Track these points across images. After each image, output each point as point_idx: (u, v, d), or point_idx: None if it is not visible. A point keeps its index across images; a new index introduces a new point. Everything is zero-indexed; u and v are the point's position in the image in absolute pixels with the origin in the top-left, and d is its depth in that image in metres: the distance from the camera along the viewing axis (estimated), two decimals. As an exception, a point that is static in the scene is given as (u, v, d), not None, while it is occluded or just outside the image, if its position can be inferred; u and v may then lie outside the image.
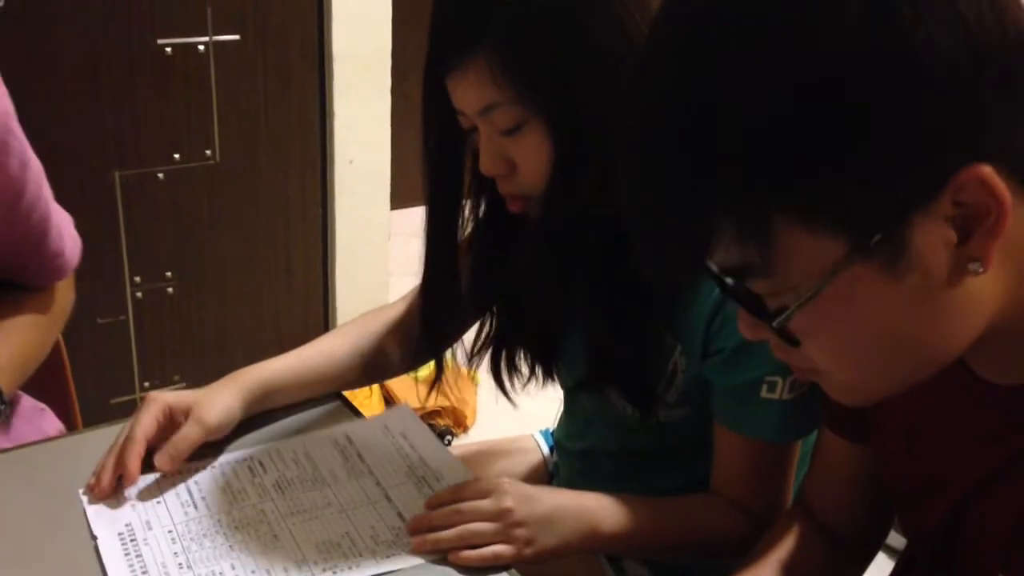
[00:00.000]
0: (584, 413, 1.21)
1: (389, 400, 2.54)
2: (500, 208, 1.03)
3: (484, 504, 0.93)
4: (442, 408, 2.50)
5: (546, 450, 1.39)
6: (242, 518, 0.94)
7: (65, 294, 1.24)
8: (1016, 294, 0.63)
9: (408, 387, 2.56)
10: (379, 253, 2.53)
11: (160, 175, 2.17)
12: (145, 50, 2.07)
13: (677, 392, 1.03)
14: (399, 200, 2.67)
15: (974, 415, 0.73)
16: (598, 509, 0.99)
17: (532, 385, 1.19)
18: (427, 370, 2.81)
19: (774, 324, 0.62)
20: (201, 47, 2.13)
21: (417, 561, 0.90)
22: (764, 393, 0.96)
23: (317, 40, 2.27)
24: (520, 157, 0.95)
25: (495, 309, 1.16)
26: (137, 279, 2.22)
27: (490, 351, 1.17)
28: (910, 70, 0.54)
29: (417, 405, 2.55)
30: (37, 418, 1.21)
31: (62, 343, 1.31)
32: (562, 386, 1.23)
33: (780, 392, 0.96)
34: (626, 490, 1.12)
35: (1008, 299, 0.63)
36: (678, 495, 1.06)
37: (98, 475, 0.96)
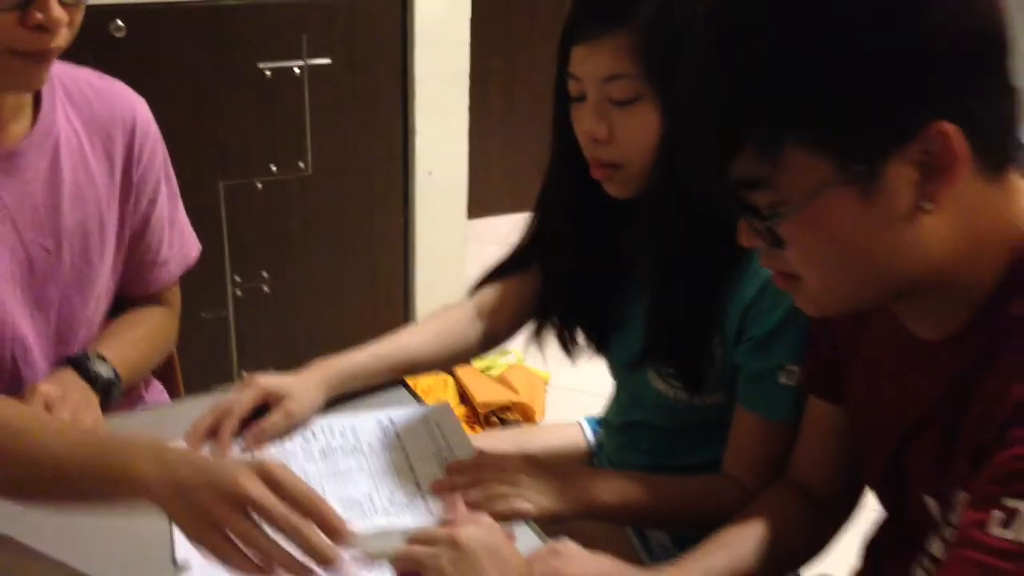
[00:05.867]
0: (628, 394, 1.37)
1: (464, 395, 2.72)
2: (584, 187, 1.18)
3: (502, 474, 1.10)
4: (512, 404, 2.67)
5: (590, 435, 1.54)
6: (288, 475, 1.13)
7: (176, 305, 1.47)
8: (955, 251, 0.78)
9: (482, 383, 2.75)
10: (457, 259, 2.72)
11: (259, 184, 2.40)
12: (247, 73, 2.31)
13: (715, 378, 1.18)
14: (477, 210, 2.86)
15: (909, 369, 0.88)
16: (601, 483, 1.16)
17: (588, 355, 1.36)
18: (499, 369, 2.98)
19: (766, 222, 0.78)
20: (297, 70, 2.35)
21: (418, 522, 1.06)
22: (783, 379, 1.11)
23: (401, 63, 2.47)
24: (623, 128, 1.09)
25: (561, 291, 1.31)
26: (237, 278, 2.46)
27: (556, 325, 1.33)
28: (916, 44, 0.71)
29: (489, 400, 2.73)
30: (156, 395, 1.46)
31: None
32: (612, 371, 1.38)
33: (796, 379, 1.10)
34: (660, 463, 1.28)
35: (948, 254, 0.77)
36: (706, 470, 1.21)
37: (195, 429, 1.16)
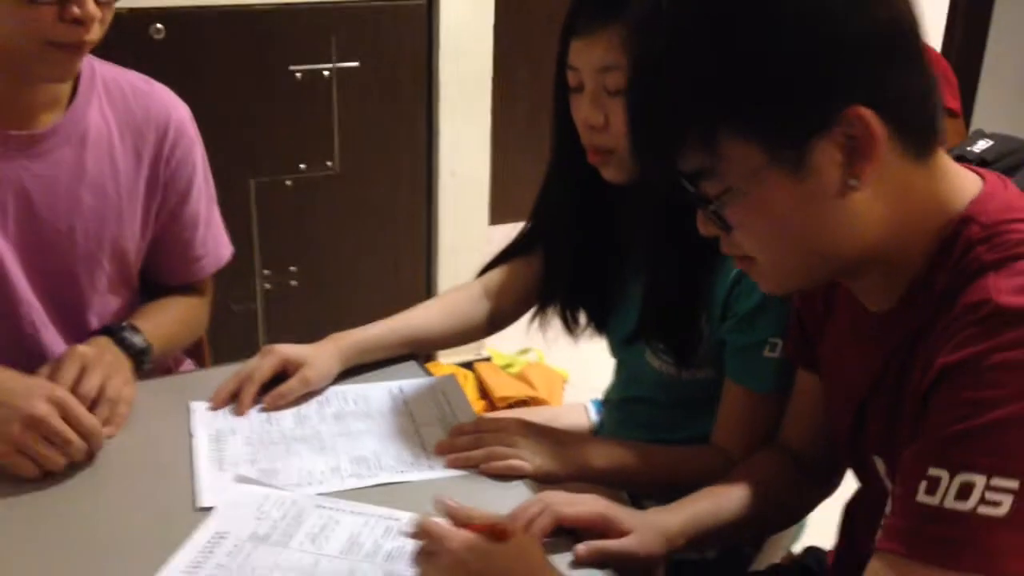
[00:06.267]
0: (627, 372, 1.45)
1: (484, 390, 2.80)
2: (583, 174, 1.25)
3: (501, 435, 1.18)
4: (530, 398, 2.74)
5: (593, 415, 1.62)
6: (302, 434, 1.22)
7: (209, 294, 1.57)
8: (887, 229, 0.85)
9: (501, 379, 2.83)
10: (478, 256, 2.79)
11: (288, 182, 2.50)
12: (278, 75, 2.41)
13: (703, 353, 1.25)
14: (499, 217, 2.94)
15: (863, 340, 0.96)
16: (594, 448, 1.24)
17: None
18: (518, 366, 3.04)
19: (712, 208, 0.86)
20: (326, 72, 2.45)
21: (421, 477, 1.14)
22: (767, 352, 1.19)
23: (426, 68, 2.57)
24: (617, 116, 1.16)
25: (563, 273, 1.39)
26: (266, 272, 2.56)
27: (559, 306, 1.42)
28: (828, 40, 0.79)
29: (508, 394, 2.80)
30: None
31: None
32: (611, 349, 1.46)
33: (779, 352, 1.18)
34: (656, 437, 1.35)
35: (882, 232, 0.85)
36: (697, 442, 1.28)
37: (218, 394, 1.27)
